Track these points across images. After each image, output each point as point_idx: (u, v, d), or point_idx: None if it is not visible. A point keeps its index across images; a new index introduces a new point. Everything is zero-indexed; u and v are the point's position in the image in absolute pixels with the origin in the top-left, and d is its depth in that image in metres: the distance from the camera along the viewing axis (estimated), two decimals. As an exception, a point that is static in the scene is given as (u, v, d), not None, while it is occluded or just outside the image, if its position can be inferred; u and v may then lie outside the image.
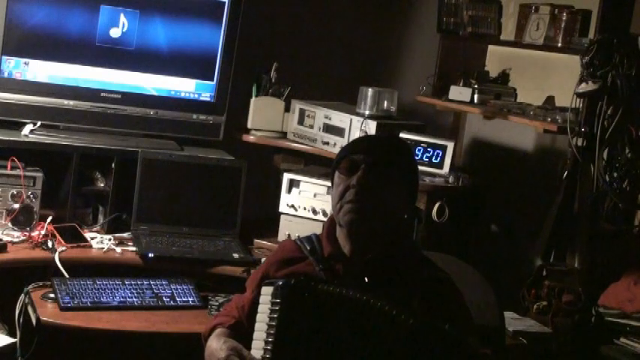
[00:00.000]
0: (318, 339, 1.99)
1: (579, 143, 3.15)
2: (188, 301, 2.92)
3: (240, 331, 2.21)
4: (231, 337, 2.19)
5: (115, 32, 3.44)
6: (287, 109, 3.71)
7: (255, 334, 2.07)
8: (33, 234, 3.17)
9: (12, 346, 2.66)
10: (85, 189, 3.43)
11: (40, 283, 2.86)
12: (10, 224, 3.19)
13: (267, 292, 2.07)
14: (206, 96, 3.63)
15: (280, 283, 2.03)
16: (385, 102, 3.49)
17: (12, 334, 2.74)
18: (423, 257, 2.24)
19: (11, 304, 2.83)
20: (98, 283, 2.87)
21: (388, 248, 2.14)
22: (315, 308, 2.00)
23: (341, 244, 2.18)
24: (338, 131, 3.49)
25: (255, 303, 2.12)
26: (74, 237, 3.20)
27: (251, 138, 3.70)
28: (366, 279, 2.09)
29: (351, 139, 3.36)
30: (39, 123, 3.36)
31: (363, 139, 2.47)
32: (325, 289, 2.01)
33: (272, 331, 2.00)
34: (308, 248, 2.22)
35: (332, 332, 1.99)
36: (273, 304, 2.02)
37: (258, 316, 2.07)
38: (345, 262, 2.16)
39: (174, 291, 2.94)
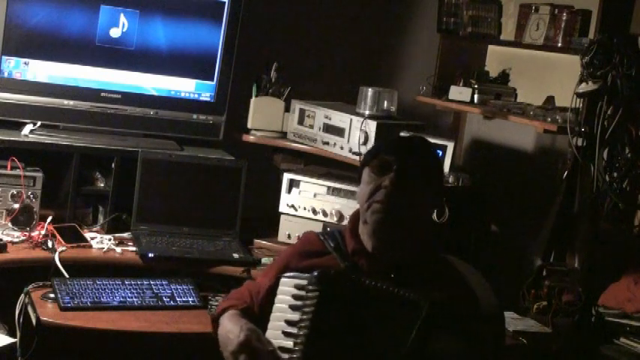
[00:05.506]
0: (351, 330, 2.02)
1: (579, 143, 3.15)
2: (188, 301, 2.92)
3: (250, 316, 2.21)
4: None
5: (115, 32, 3.44)
6: (287, 109, 3.71)
7: (271, 324, 2.08)
8: (33, 234, 3.17)
9: (12, 346, 2.65)
10: (85, 189, 3.43)
11: (40, 283, 2.86)
12: (10, 224, 3.19)
13: (288, 283, 2.09)
14: (206, 96, 3.63)
15: (316, 273, 2.05)
16: (385, 102, 3.49)
17: (12, 334, 2.74)
18: (443, 258, 2.28)
19: (11, 304, 2.83)
20: (98, 283, 2.87)
21: (414, 250, 2.18)
22: (350, 300, 2.03)
23: (363, 241, 2.21)
24: (338, 131, 3.49)
25: (272, 291, 2.14)
26: (74, 237, 3.20)
27: (251, 138, 3.69)
28: (392, 275, 2.12)
29: (351, 139, 3.38)
30: (39, 123, 3.36)
31: (396, 139, 2.58)
32: (362, 281, 2.04)
33: (304, 324, 2.02)
34: (332, 245, 2.24)
35: (364, 324, 2.02)
36: (308, 291, 2.04)
37: (276, 306, 2.09)
38: (368, 258, 2.18)
39: (174, 291, 2.94)
